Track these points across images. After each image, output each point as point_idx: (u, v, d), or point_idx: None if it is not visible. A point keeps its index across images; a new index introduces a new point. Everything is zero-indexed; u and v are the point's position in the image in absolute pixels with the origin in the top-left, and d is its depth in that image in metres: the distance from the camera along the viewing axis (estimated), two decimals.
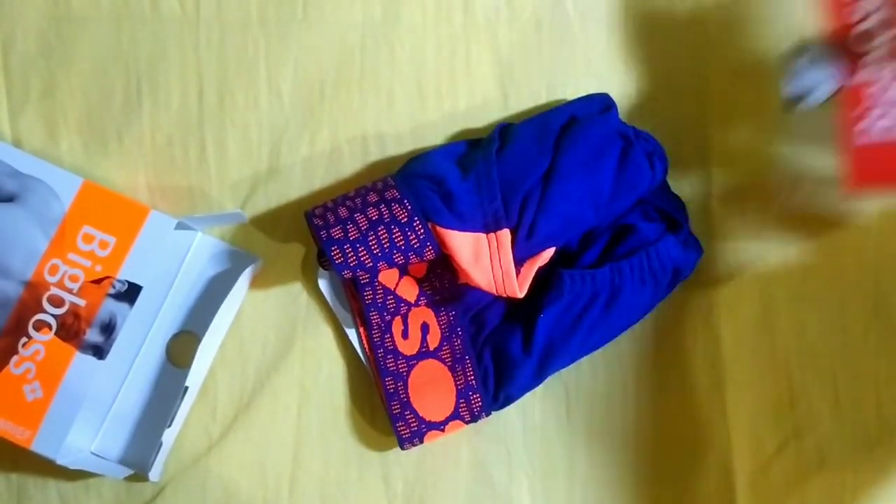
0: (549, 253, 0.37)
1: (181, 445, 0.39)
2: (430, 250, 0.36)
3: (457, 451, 0.39)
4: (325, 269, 0.38)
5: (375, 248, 0.35)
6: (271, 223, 0.39)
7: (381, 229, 0.35)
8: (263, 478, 0.39)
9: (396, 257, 0.36)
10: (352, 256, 0.35)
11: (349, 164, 0.39)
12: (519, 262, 0.36)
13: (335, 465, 0.39)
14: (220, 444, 0.39)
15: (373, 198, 0.36)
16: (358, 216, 0.35)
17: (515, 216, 0.36)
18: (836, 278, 0.40)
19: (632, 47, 0.40)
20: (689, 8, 0.40)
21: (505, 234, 0.36)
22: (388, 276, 0.37)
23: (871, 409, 0.40)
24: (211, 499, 0.39)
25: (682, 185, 0.40)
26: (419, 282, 0.38)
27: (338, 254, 0.35)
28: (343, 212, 0.36)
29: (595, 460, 0.39)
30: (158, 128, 0.39)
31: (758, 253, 0.40)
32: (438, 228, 0.35)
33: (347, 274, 0.36)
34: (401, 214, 0.35)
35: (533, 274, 0.37)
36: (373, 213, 0.35)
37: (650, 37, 0.40)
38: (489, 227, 0.36)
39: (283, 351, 0.39)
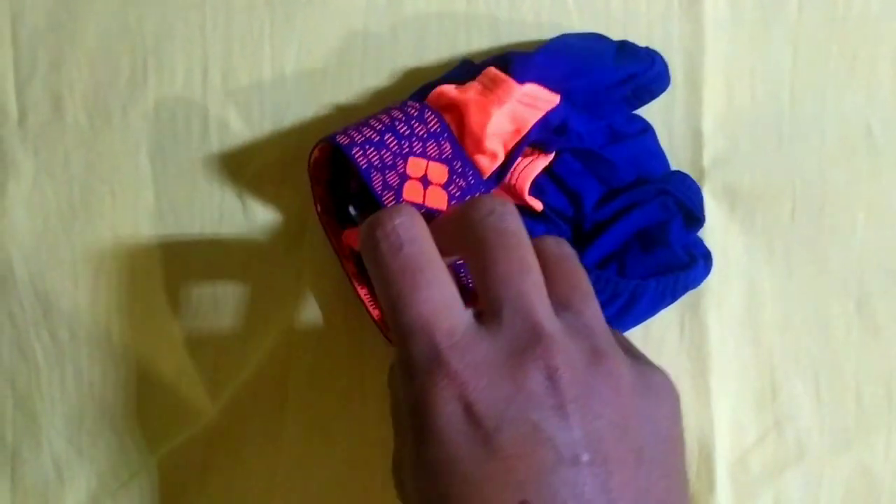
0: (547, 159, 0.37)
1: (175, 415, 0.39)
2: (447, 142, 0.35)
3: None
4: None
5: (393, 144, 0.34)
6: (270, 204, 0.40)
7: (399, 125, 0.35)
8: (255, 452, 0.40)
9: (416, 146, 0.34)
10: (373, 154, 0.34)
11: None
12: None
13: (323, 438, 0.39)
14: (213, 417, 0.40)
15: (385, 116, 0.36)
16: (372, 121, 0.35)
17: None
18: (821, 275, 0.41)
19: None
20: (687, 3, 0.40)
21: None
22: (412, 190, 0.35)
23: (851, 404, 0.41)
24: (201, 469, 0.39)
25: None
26: (444, 187, 0.36)
27: (359, 153, 0.34)
28: (357, 128, 0.35)
29: None
30: (162, 104, 0.39)
31: (745, 246, 0.41)
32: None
33: (377, 178, 0.34)
34: (411, 108, 0.35)
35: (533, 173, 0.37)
36: (385, 118, 0.35)
37: (648, 31, 0.40)
38: None
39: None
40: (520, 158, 0.37)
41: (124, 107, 0.39)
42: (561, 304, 0.29)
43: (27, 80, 0.39)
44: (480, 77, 0.36)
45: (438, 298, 0.28)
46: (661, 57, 0.38)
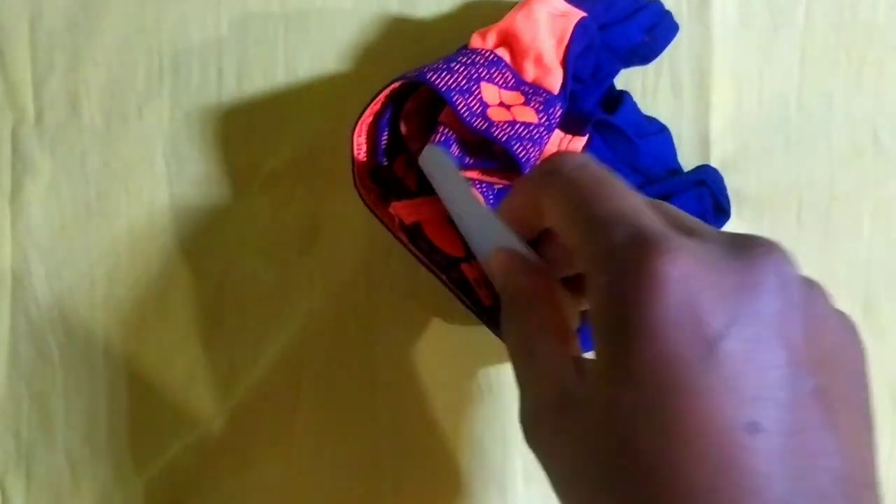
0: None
1: (189, 413, 0.40)
2: (506, 70, 0.35)
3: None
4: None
5: (461, 71, 0.33)
6: (284, 205, 0.40)
7: (459, 58, 0.34)
8: (266, 451, 0.40)
9: (482, 73, 0.34)
10: (448, 78, 0.33)
11: None
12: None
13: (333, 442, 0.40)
14: (226, 415, 0.40)
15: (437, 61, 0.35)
16: (428, 64, 0.34)
17: None
18: (827, 278, 0.41)
19: None
20: (696, 8, 0.41)
21: None
22: (498, 114, 0.33)
23: None
24: (214, 468, 0.40)
25: None
26: (526, 104, 0.35)
27: (436, 77, 0.32)
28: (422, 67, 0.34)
29: None
30: (178, 105, 0.40)
31: None
32: None
33: (460, 102, 0.32)
34: (459, 55, 0.35)
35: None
36: (439, 61, 0.34)
37: None
38: None
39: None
40: (558, 136, 0.36)
41: (140, 107, 0.40)
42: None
43: (44, 80, 0.40)
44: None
45: (636, 202, 0.24)
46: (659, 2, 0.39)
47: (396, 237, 0.37)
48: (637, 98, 0.41)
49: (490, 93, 0.34)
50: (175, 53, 0.40)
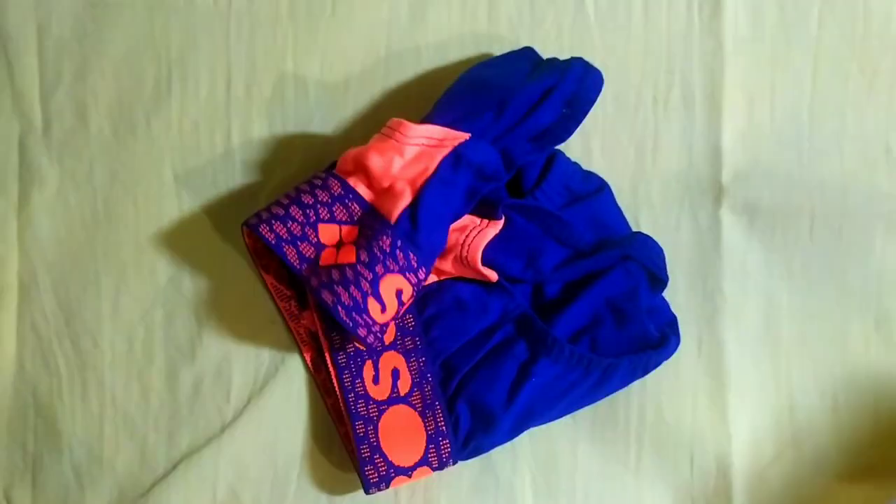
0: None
1: (195, 425, 0.40)
2: (353, 203, 0.35)
3: None
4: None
5: (298, 215, 0.35)
6: None
7: (304, 196, 0.35)
8: (274, 460, 0.40)
9: (322, 212, 0.35)
10: (280, 228, 0.34)
11: None
12: None
13: (344, 451, 0.40)
14: (232, 425, 0.40)
15: (293, 190, 0.36)
16: (281, 198, 0.36)
17: None
18: (840, 292, 0.41)
19: (649, 56, 0.41)
20: (707, 20, 0.40)
21: None
22: (328, 257, 0.35)
23: (869, 421, 0.41)
24: (222, 478, 0.40)
25: (693, 195, 0.41)
26: (353, 242, 0.35)
27: (266, 230, 0.34)
28: (267, 206, 0.36)
29: (597, 458, 0.40)
30: (186, 114, 0.40)
31: (764, 263, 0.41)
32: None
33: (291, 253, 0.34)
34: (317, 179, 0.36)
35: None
36: (293, 192, 0.36)
37: (668, 47, 0.41)
38: None
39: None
40: (473, 222, 0.36)
41: (148, 117, 0.40)
42: None
43: (52, 89, 0.39)
44: (384, 127, 0.36)
45: None
46: (580, 60, 0.38)
47: (302, 355, 0.39)
48: (648, 111, 0.41)
49: (328, 233, 0.35)
50: (183, 63, 0.39)
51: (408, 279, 0.34)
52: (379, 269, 0.34)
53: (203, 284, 0.40)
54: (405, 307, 0.35)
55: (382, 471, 0.37)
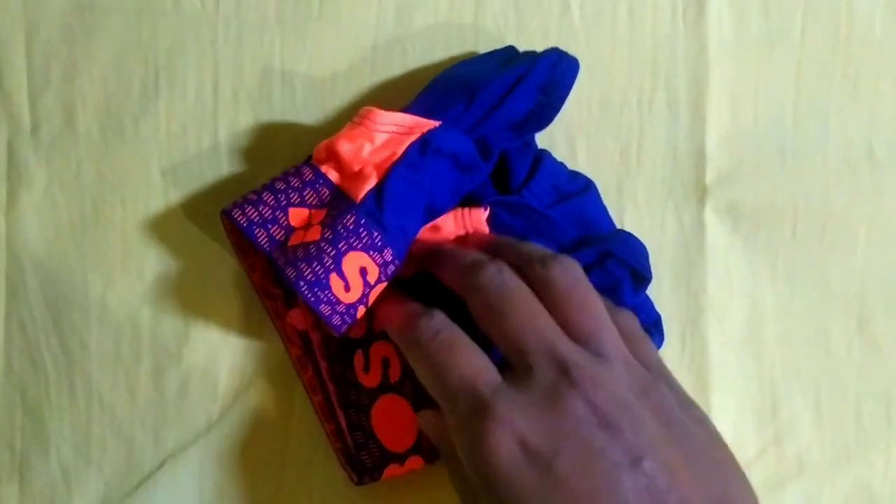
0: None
1: (182, 424, 0.40)
2: (323, 187, 0.36)
3: None
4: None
5: (270, 199, 0.35)
6: None
7: (277, 182, 0.36)
8: (260, 459, 0.40)
9: (293, 197, 0.35)
10: (251, 211, 0.35)
11: None
12: None
13: (331, 449, 0.40)
14: (219, 424, 0.40)
15: (269, 180, 0.36)
16: (258, 187, 0.36)
17: None
18: (822, 293, 0.42)
19: (634, 59, 0.41)
20: (692, 24, 0.41)
21: None
22: (297, 238, 0.35)
23: (851, 421, 0.41)
24: (207, 476, 0.40)
25: (677, 197, 0.41)
26: (320, 222, 0.36)
27: (239, 214, 0.35)
28: (243, 195, 0.36)
29: None
30: (174, 117, 0.40)
31: (747, 264, 0.41)
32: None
33: (260, 234, 0.35)
34: (291, 167, 0.36)
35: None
36: (267, 181, 0.36)
37: (653, 50, 0.41)
38: None
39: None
40: (459, 212, 0.37)
41: (136, 119, 0.40)
42: (581, 336, 0.31)
43: (40, 91, 0.40)
44: (355, 116, 0.37)
45: (476, 363, 0.31)
46: (555, 49, 0.38)
47: (289, 353, 0.39)
48: (633, 113, 0.41)
49: (298, 217, 0.35)
50: (171, 66, 0.40)
51: (372, 258, 0.34)
52: (342, 245, 0.34)
53: (190, 284, 0.40)
54: (374, 291, 0.35)
55: (377, 455, 0.37)
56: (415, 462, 0.38)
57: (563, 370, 0.30)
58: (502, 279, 0.32)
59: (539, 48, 0.40)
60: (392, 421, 0.38)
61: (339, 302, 0.34)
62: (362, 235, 0.34)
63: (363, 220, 0.34)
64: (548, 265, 0.33)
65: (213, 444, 0.40)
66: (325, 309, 0.33)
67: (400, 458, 0.38)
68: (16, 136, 0.40)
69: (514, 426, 0.29)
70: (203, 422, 0.40)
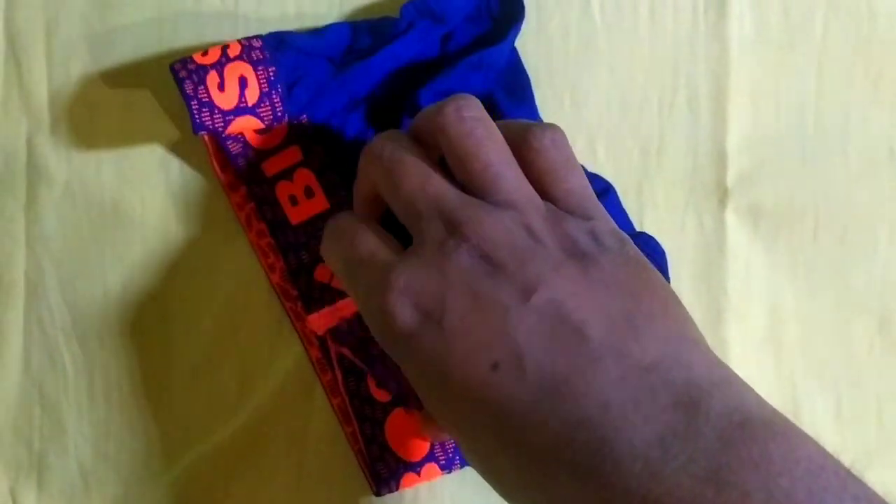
0: None
1: (201, 422, 0.40)
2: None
3: None
4: None
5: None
6: None
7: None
8: (279, 458, 0.40)
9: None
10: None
11: None
12: None
13: (350, 451, 0.40)
14: (238, 424, 0.40)
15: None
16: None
17: None
18: (843, 294, 0.41)
19: (654, 59, 0.41)
20: (713, 23, 0.41)
21: None
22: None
23: (872, 423, 0.41)
24: (225, 477, 0.40)
25: (698, 197, 0.41)
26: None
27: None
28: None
29: None
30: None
31: (768, 265, 0.41)
32: None
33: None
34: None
35: None
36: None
37: (674, 50, 0.41)
38: None
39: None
40: None
41: (156, 117, 0.40)
42: (476, 186, 0.31)
43: (60, 88, 0.40)
44: None
45: (372, 242, 0.32)
46: None
47: (308, 355, 0.39)
48: (653, 113, 0.41)
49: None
50: None
51: (257, 74, 0.36)
52: (230, 50, 0.36)
53: (210, 284, 0.40)
54: (253, 114, 0.36)
55: (393, 466, 0.37)
56: (431, 470, 0.38)
57: (453, 227, 0.29)
58: (394, 146, 0.32)
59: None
60: (405, 432, 0.38)
61: (210, 99, 0.35)
62: (254, 49, 0.36)
63: (259, 43, 0.36)
64: (441, 119, 0.32)
65: (231, 446, 0.40)
66: (194, 104, 0.35)
67: (416, 468, 0.38)
68: (35, 133, 0.39)
69: (408, 292, 0.29)
70: (224, 422, 0.40)
